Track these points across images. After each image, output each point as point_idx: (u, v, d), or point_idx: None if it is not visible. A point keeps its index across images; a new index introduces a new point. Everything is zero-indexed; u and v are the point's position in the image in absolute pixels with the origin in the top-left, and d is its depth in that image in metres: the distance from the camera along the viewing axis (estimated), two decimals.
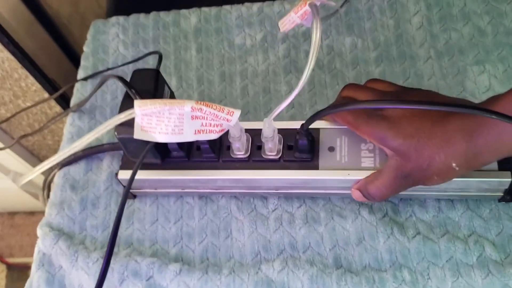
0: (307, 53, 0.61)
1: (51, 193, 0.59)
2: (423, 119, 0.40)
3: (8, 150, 1.01)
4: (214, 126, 0.44)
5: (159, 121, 0.42)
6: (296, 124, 0.48)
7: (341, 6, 0.62)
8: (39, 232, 0.55)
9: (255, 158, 0.50)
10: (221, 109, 0.43)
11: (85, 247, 0.53)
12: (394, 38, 0.60)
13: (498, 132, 0.37)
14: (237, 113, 0.43)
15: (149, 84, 0.49)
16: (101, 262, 0.51)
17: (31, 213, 1.26)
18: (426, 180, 0.41)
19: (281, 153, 0.49)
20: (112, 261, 0.51)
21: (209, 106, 0.42)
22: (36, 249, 0.55)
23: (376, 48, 0.60)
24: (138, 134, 0.43)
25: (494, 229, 0.48)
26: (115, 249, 0.53)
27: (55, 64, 0.86)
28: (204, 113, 0.42)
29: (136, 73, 0.51)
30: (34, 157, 1.11)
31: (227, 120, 0.43)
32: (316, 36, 0.41)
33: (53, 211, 0.57)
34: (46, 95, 0.89)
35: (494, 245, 0.47)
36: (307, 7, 0.45)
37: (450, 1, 0.61)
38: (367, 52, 0.60)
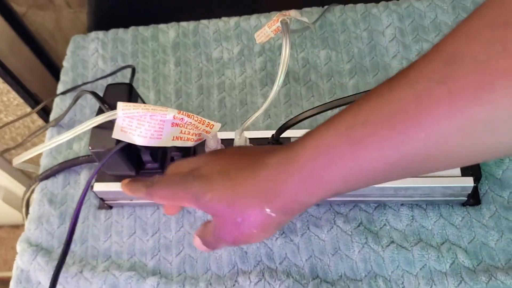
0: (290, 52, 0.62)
1: (30, 208, 0.59)
2: (233, 169, 0.36)
3: None
4: (192, 135, 0.45)
5: (140, 125, 0.43)
6: (268, 134, 0.49)
7: (316, 20, 0.63)
8: (18, 248, 0.56)
9: None
10: (202, 121, 0.44)
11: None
12: (367, 50, 0.61)
13: (307, 169, 0.32)
14: (217, 126, 0.44)
15: (122, 98, 0.50)
16: (79, 276, 0.51)
17: (16, 227, 1.26)
18: (248, 237, 0.37)
19: None
20: (90, 275, 0.51)
21: (191, 117, 0.43)
22: (14, 266, 0.55)
23: (350, 60, 0.61)
24: (117, 134, 0.43)
25: (467, 236, 0.49)
26: (94, 263, 0.53)
27: (37, 79, 0.86)
28: (185, 123, 0.43)
29: (110, 87, 0.51)
30: (17, 170, 1.10)
31: (206, 132, 0.45)
32: (285, 52, 0.42)
33: (32, 226, 0.57)
34: (28, 109, 0.89)
35: (467, 253, 0.48)
36: (279, 24, 0.46)
37: (422, 13, 0.62)
38: (341, 64, 0.61)
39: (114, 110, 0.44)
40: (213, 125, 0.45)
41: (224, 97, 0.61)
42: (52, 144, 0.49)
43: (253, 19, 0.66)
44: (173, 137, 0.44)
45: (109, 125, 0.46)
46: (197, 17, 0.68)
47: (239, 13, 0.68)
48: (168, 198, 0.40)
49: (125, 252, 0.53)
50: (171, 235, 0.54)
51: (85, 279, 0.51)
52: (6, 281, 1.20)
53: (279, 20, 0.47)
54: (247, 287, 0.49)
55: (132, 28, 0.69)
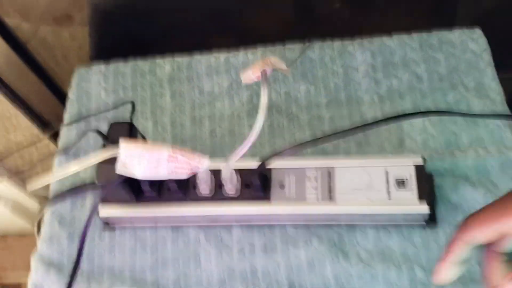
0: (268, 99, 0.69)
1: (42, 229, 0.66)
2: None
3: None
4: (185, 169, 0.52)
5: (139, 161, 0.50)
6: (252, 165, 0.56)
7: (298, 58, 0.70)
8: (32, 264, 0.63)
9: (217, 196, 0.58)
10: (192, 158, 0.51)
11: None
12: (342, 85, 0.68)
13: None
14: (206, 162, 0.52)
15: (123, 135, 0.57)
16: None
17: (23, 236, 1.33)
18: None
19: (239, 191, 0.57)
20: None
21: (183, 155, 0.50)
22: (29, 281, 0.62)
23: (327, 94, 0.68)
24: (120, 170, 0.51)
25: (425, 255, 0.56)
26: (100, 279, 0.60)
27: (44, 102, 0.94)
28: (178, 160, 0.50)
29: (112, 126, 0.58)
30: (25, 184, 1.18)
31: (197, 167, 0.52)
32: (264, 100, 0.49)
33: (44, 245, 0.64)
34: (35, 130, 0.96)
35: (424, 270, 0.55)
36: (259, 73, 0.53)
37: (392, 50, 0.69)
38: (319, 98, 0.68)
39: (117, 148, 0.51)
40: (203, 162, 0.52)
41: (214, 128, 0.68)
42: (65, 174, 0.56)
43: (241, 55, 0.73)
44: (169, 171, 0.52)
45: (112, 160, 0.53)
46: (189, 47, 0.75)
47: (229, 43, 0.75)
48: (487, 220, 0.36)
49: (127, 269, 0.61)
50: (168, 253, 0.61)
51: None
52: (15, 287, 1.27)
53: (260, 70, 0.54)
54: None
55: (131, 61, 0.76)
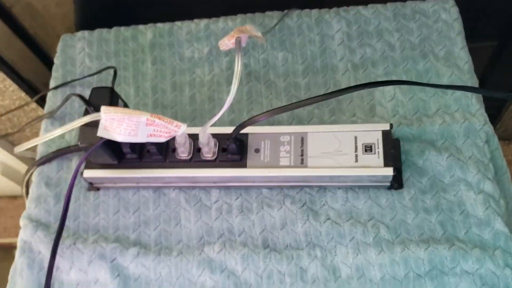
0: (246, 66, 0.71)
1: (30, 190, 0.69)
2: None
3: None
4: (163, 132, 0.55)
5: (119, 125, 0.53)
6: (230, 129, 0.59)
7: (275, 25, 0.72)
8: (21, 223, 0.66)
9: (196, 159, 0.61)
10: (170, 122, 0.54)
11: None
12: (319, 52, 0.71)
13: None
14: (184, 127, 0.55)
15: (104, 100, 0.60)
16: (73, 247, 0.62)
17: (14, 197, 1.36)
18: None
19: (216, 154, 0.60)
20: (82, 247, 0.62)
21: (161, 119, 0.53)
22: (18, 238, 0.66)
23: (304, 61, 0.70)
24: (101, 133, 0.54)
25: (389, 215, 0.59)
26: (85, 236, 0.64)
27: (31, 68, 0.95)
28: (156, 124, 0.53)
29: (94, 91, 0.61)
30: (14, 146, 1.20)
31: (175, 131, 0.55)
32: (237, 67, 0.52)
33: (32, 205, 0.67)
34: (23, 94, 0.98)
35: (388, 228, 0.59)
36: (233, 40, 0.56)
37: (367, 19, 0.71)
38: (296, 65, 0.70)
39: (98, 113, 0.54)
40: (180, 126, 0.55)
41: (194, 93, 0.71)
42: (49, 137, 0.58)
43: (221, 22, 0.75)
44: (148, 134, 0.55)
45: (94, 124, 0.56)
46: (171, 17, 0.77)
47: (211, 12, 0.77)
48: None
49: (111, 227, 0.64)
50: (150, 213, 0.64)
51: (77, 250, 0.62)
52: (5, 247, 1.32)
53: (234, 37, 0.56)
54: (211, 255, 0.60)
55: (114, 28, 0.77)
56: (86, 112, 0.58)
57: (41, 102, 0.98)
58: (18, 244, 0.66)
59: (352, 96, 0.67)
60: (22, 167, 1.25)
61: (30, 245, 0.65)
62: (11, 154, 1.18)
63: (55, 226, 0.65)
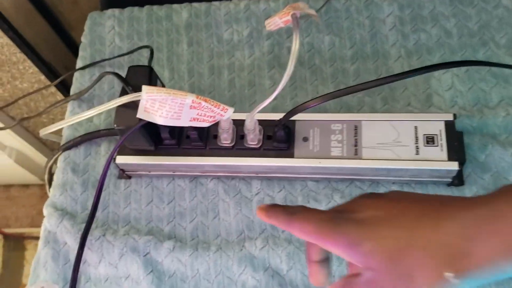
0: (289, 50, 0.66)
1: (54, 176, 0.64)
2: (405, 217, 0.32)
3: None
4: (207, 117, 0.50)
5: (161, 106, 0.48)
6: (276, 116, 0.54)
7: (322, 7, 0.67)
8: (45, 211, 0.61)
9: (239, 147, 0.56)
10: (217, 105, 0.49)
11: None
12: (369, 37, 0.66)
13: None
14: (231, 110, 0.50)
15: (143, 80, 0.55)
16: (103, 239, 0.58)
17: (26, 186, 1.31)
18: None
19: (261, 142, 0.55)
20: (112, 239, 0.57)
21: (208, 102, 0.48)
22: (42, 228, 0.61)
23: (352, 46, 0.65)
24: (141, 114, 0.49)
25: None
26: (115, 227, 0.59)
27: (51, 48, 0.90)
28: (202, 107, 0.48)
29: (131, 69, 0.56)
30: (29, 133, 1.16)
31: (221, 115, 0.50)
32: (295, 46, 0.47)
33: (56, 192, 0.62)
34: (42, 77, 0.93)
35: None
36: (289, 17, 0.51)
37: (421, 3, 0.66)
38: (344, 50, 0.65)
39: (139, 92, 0.49)
40: (227, 109, 0.50)
41: (233, 77, 0.66)
42: (81, 118, 0.54)
43: (262, 2, 0.70)
44: (191, 118, 0.50)
45: (131, 105, 0.51)
46: None
47: None
48: (311, 234, 0.34)
49: (143, 218, 0.59)
50: (186, 204, 0.59)
51: (107, 242, 0.57)
52: (18, 237, 1.27)
53: (290, 14, 0.51)
54: (253, 251, 0.55)
55: (147, 7, 0.72)
56: (123, 92, 0.53)
57: (60, 86, 0.94)
58: (42, 234, 0.61)
59: (406, 83, 0.62)
60: (36, 155, 1.20)
61: (55, 236, 0.60)
62: (25, 141, 1.13)
63: (82, 215, 0.61)
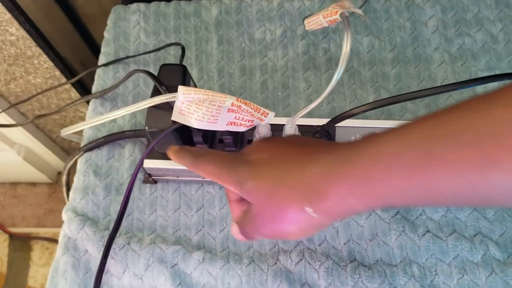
0: (325, 51, 0.63)
1: (74, 178, 0.61)
2: (282, 160, 0.35)
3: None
4: (246, 121, 0.46)
5: (198, 109, 0.45)
6: (314, 121, 0.51)
7: (360, 7, 0.64)
8: (64, 217, 0.58)
9: None
10: (257, 109, 0.45)
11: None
12: (410, 40, 0.62)
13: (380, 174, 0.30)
14: (271, 115, 0.46)
15: (176, 79, 0.51)
16: (127, 248, 0.54)
17: (33, 184, 1.27)
18: (284, 233, 0.35)
19: None
20: (138, 248, 0.54)
21: (248, 105, 0.45)
22: (61, 234, 0.57)
23: (393, 49, 0.62)
24: (176, 117, 0.46)
25: (498, 230, 0.51)
26: (140, 235, 0.56)
27: (68, 43, 0.87)
28: (242, 110, 0.45)
29: (164, 68, 0.52)
30: (39, 130, 1.12)
31: (260, 119, 0.46)
32: (346, 47, 0.43)
33: (77, 196, 0.59)
34: (57, 72, 0.89)
35: (498, 245, 0.50)
36: (337, 17, 0.47)
37: (465, 6, 0.63)
38: (384, 53, 0.62)
39: (174, 93, 0.46)
40: (268, 114, 0.47)
41: (266, 79, 0.63)
42: (108, 118, 0.50)
43: (297, 1, 0.66)
44: (228, 122, 0.46)
45: (164, 106, 0.48)
46: None
47: None
48: (212, 174, 0.38)
49: (170, 226, 0.56)
50: (215, 212, 0.56)
51: (132, 251, 0.54)
52: (24, 237, 1.23)
53: (338, 13, 0.48)
54: (288, 266, 0.52)
55: (174, 2, 0.69)
56: (156, 92, 0.50)
57: (75, 83, 0.90)
58: (61, 240, 0.57)
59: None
60: (45, 153, 1.16)
61: (76, 243, 0.56)
62: (36, 138, 1.10)
63: (104, 221, 0.57)
